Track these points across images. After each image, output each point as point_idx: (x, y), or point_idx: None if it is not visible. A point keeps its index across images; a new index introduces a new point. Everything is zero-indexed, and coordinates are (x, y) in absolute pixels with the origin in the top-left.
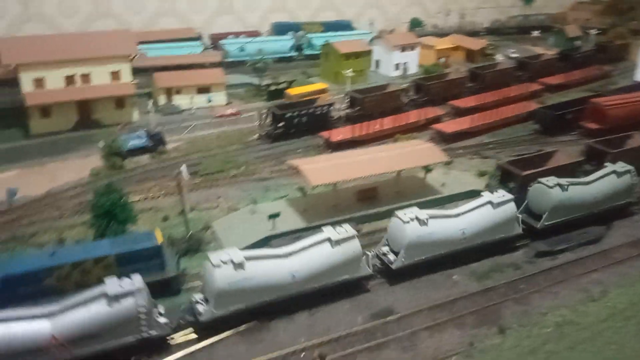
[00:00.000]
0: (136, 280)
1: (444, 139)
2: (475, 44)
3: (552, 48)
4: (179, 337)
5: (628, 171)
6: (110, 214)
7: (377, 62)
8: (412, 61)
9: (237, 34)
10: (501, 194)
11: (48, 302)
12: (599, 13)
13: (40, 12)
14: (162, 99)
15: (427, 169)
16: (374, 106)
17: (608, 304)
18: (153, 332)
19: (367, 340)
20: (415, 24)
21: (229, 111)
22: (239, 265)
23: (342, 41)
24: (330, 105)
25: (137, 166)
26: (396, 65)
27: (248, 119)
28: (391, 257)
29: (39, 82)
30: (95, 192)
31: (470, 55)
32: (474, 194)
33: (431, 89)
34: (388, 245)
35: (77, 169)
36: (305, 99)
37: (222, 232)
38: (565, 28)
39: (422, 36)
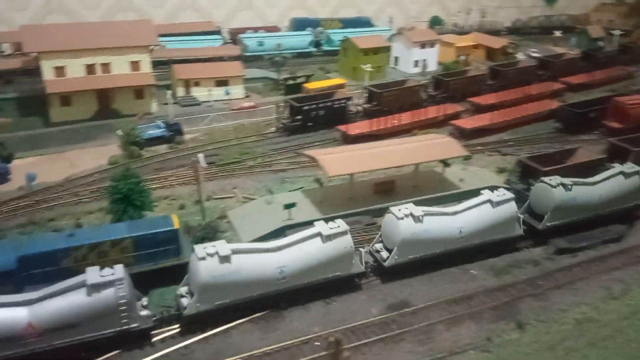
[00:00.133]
0: (117, 271)
1: (463, 135)
2: (496, 42)
3: (574, 48)
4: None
5: (637, 172)
6: (127, 199)
7: (396, 59)
8: (432, 58)
9: (255, 29)
10: (502, 193)
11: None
12: (623, 15)
13: (62, 4)
14: (180, 91)
15: (446, 163)
16: (392, 101)
17: (630, 302)
18: (134, 325)
19: (383, 331)
20: (435, 23)
21: (247, 104)
22: (224, 259)
23: (361, 37)
24: (348, 99)
25: (155, 155)
26: (415, 62)
27: (265, 112)
28: (384, 254)
29: (59, 71)
30: (113, 176)
31: (490, 53)
32: (493, 190)
33: (450, 85)
34: (382, 242)
35: (95, 156)
36: (323, 92)
37: (237, 221)
38: (588, 28)
39: (442, 34)
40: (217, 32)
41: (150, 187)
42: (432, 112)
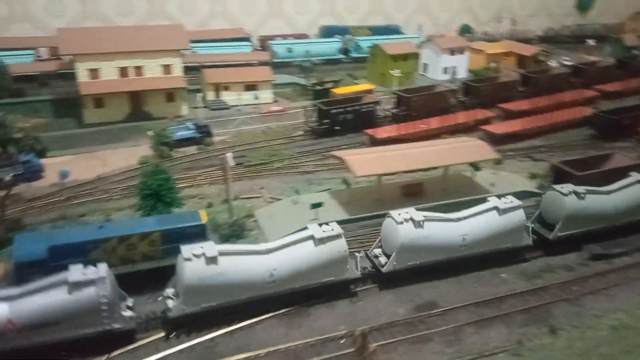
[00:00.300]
0: (101, 269)
1: (493, 140)
2: (528, 50)
3: (607, 57)
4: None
5: None
6: (157, 195)
7: (425, 66)
8: (461, 65)
9: (284, 36)
10: (509, 200)
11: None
12: None
13: (97, 11)
14: (210, 95)
15: (476, 167)
16: (421, 106)
17: None
18: (116, 326)
19: (410, 331)
20: (464, 31)
21: (275, 108)
22: (211, 260)
23: (390, 43)
24: (377, 103)
25: (184, 156)
26: (444, 68)
27: (293, 116)
28: (383, 259)
29: (93, 73)
30: (143, 172)
31: (522, 61)
32: (525, 194)
33: (481, 91)
34: (381, 247)
35: (126, 156)
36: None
37: (264, 221)
38: (623, 37)
39: (472, 41)
40: (247, 39)
41: (179, 185)
42: (461, 117)
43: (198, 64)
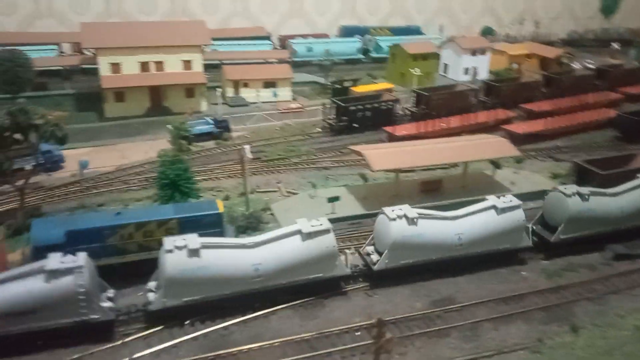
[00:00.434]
0: (80, 258)
1: (514, 140)
2: (551, 52)
3: (632, 61)
4: None
5: None
6: (174, 184)
7: (446, 66)
8: (482, 66)
9: (304, 36)
10: (508, 199)
11: None
12: None
13: (121, 9)
14: (229, 91)
15: (496, 165)
16: (441, 105)
17: None
18: (94, 316)
19: (427, 326)
20: (486, 33)
21: (294, 105)
22: (193, 252)
23: (411, 43)
24: (396, 101)
25: (202, 150)
26: (465, 69)
27: (312, 113)
28: (375, 257)
29: (115, 67)
30: (162, 161)
31: (544, 63)
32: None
33: (502, 90)
34: (374, 244)
35: (145, 149)
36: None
37: (280, 214)
38: None
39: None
40: (267, 38)
41: (197, 178)
42: (482, 116)
43: (218, 61)
